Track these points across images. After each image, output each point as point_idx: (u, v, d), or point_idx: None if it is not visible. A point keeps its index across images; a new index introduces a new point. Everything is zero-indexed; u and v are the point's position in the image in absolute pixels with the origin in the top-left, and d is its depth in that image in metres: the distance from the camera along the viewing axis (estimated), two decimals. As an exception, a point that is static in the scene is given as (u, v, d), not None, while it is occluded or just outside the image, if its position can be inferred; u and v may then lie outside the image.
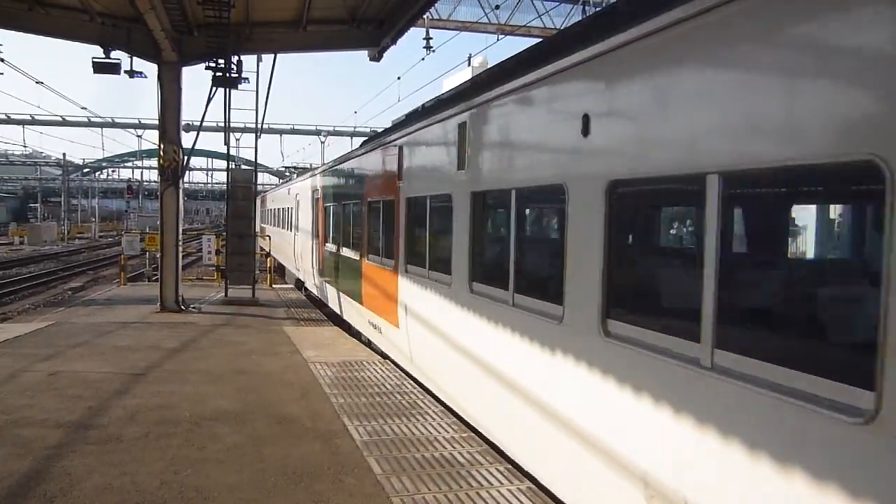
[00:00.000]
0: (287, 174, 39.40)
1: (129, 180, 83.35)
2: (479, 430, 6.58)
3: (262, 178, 68.43)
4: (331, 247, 14.92)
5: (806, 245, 5.28)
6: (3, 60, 18.86)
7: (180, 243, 15.77)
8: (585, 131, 4.38)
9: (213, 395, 8.06)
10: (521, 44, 32.09)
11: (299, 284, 21.84)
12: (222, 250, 19.56)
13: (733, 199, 3.71)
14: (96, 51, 14.49)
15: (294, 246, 21.88)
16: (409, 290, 8.70)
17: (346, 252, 12.97)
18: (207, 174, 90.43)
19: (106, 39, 14.43)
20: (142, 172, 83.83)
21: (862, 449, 2.55)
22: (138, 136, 65.26)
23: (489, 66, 8.73)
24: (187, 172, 18.46)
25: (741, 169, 3.26)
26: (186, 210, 76.23)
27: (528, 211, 6.99)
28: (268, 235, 31.00)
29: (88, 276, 28.93)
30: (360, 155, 12.27)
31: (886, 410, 2.44)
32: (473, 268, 6.59)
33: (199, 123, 15.87)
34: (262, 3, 14.10)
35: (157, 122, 15.26)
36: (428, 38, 25.36)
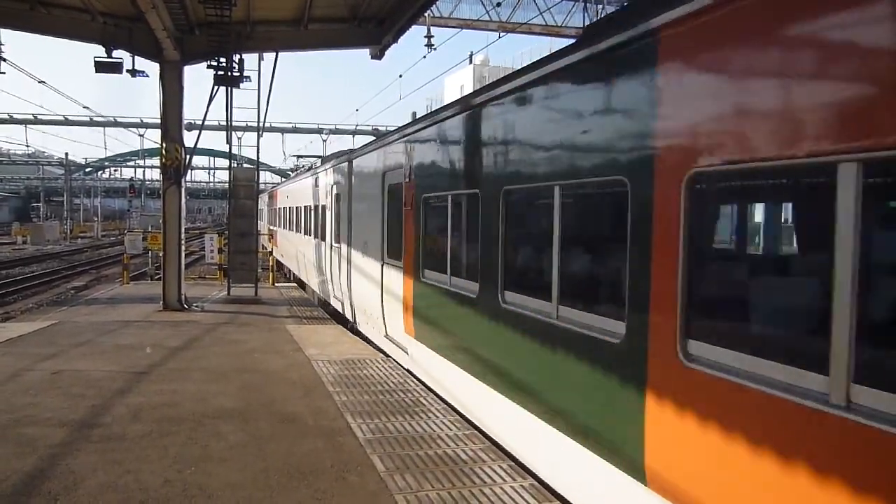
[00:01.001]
0: (289, 173, 38.84)
1: (131, 179, 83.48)
2: None
3: (264, 176, 68.64)
4: (450, 283, 7.37)
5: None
6: (5, 60, 18.87)
7: (183, 242, 15.78)
8: None
9: (216, 393, 8.06)
10: (523, 41, 32.04)
11: (331, 311, 15.06)
12: (224, 249, 19.59)
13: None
14: (98, 50, 14.52)
15: (331, 265, 14.64)
16: None
17: (539, 307, 5.35)
18: (209, 173, 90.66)
19: (108, 38, 14.44)
20: (144, 171, 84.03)
21: None
22: (140, 136, 65.53)
23: None
24: (189, 171, 18.41)
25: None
26: (189, 209, 76.35)
27: None
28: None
29: (91, 275, 28.96)
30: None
31: None
32: None
33: (201, 122, 15.90)
34: (263, 2, 14.09)
35: (159, 121, 15.28)
36: (429, 36, 25.37)
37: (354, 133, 55.21)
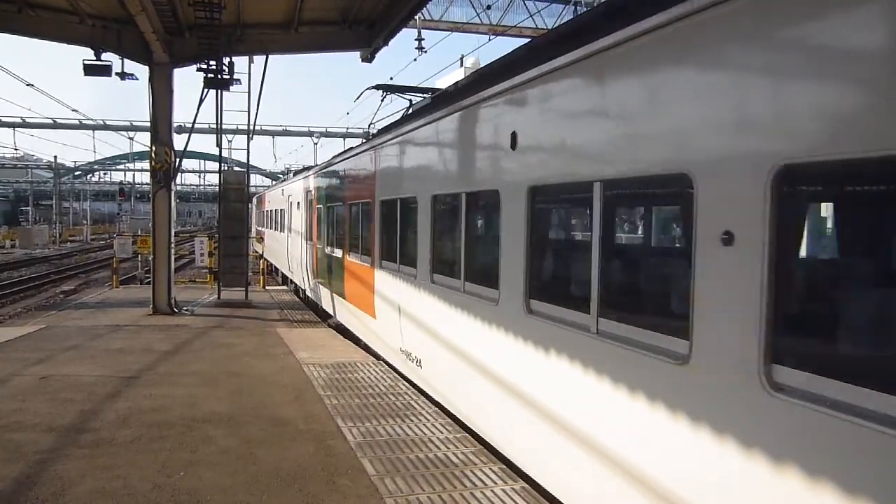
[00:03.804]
0: (280, 176, 38.40)
1: (120, 183, 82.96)
2: None
3: (255, 179, 68.45)
4: None
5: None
6: (-8, 63, 18.76)
7: (172, 245, 15.70)
8: None
9: (206, 397, 8.02)
10: (513, 44, 32.13)
11: None
12: (215, 252, 19.50)
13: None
14: (87, 53, 14.44)
15: None
16: None
17: None
18: (200, 176, 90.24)
19: (96, 41, 14.38)
20: (133, 175, 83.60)
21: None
22: (130, 139, 65.14)
23: None
24: (179, 174, 18.34)
25: None
26: (179, 212, 75.94)
27: None
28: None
29: (80, 279, 28.75)
30: None
31: None
32: None
33: (190, 125, 15.84)
34: (253, 5, 14.06)
35: (148, 124, 15.20)
36: (420, 39, 25.35)
37: (345, 136, 55.21)
